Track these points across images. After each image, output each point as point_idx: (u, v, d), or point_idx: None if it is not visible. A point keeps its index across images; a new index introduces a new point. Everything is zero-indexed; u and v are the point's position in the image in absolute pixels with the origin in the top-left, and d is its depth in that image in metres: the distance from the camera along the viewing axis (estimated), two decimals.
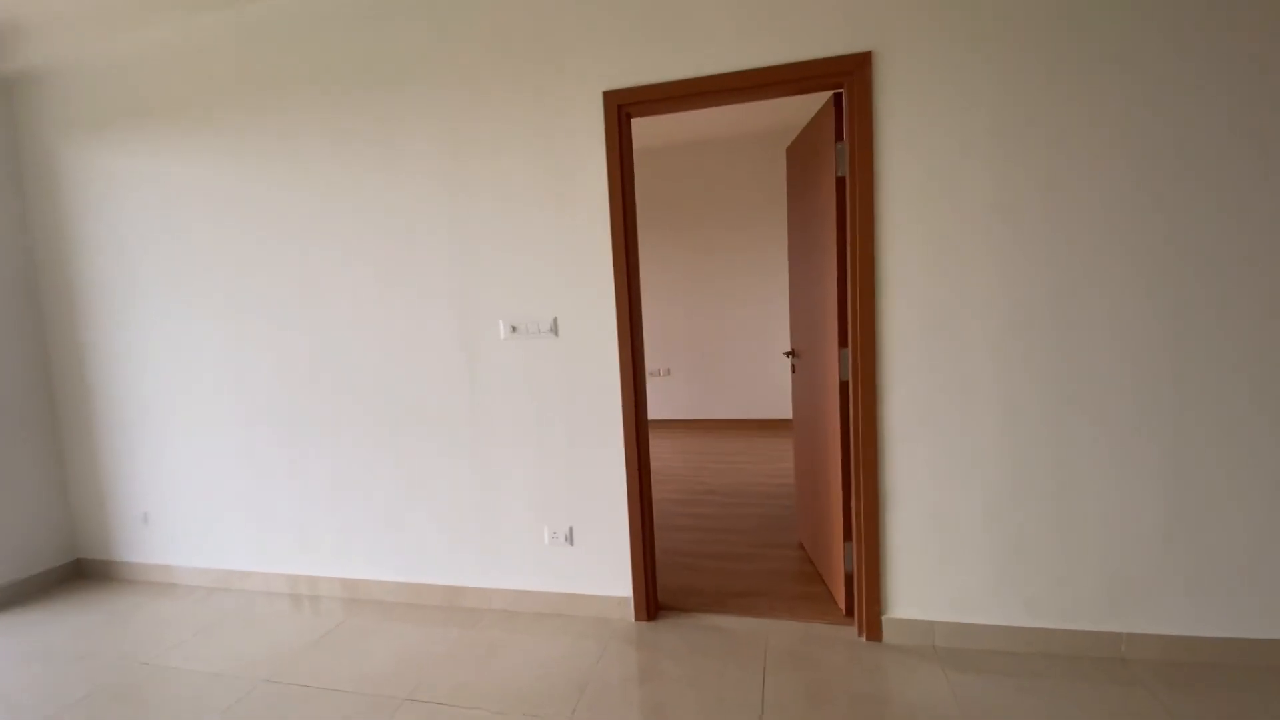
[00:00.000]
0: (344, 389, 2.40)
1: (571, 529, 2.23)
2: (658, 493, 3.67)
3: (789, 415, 5.24)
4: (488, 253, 2.20)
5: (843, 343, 2.05)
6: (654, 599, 2.23)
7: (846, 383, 2.06)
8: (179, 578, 2.74)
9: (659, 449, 4.73)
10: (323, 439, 2.46)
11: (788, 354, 2.71)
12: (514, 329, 2.20)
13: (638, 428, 2.13)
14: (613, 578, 2.20)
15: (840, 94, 1.97)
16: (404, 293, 2.30)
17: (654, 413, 5.54)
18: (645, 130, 4.64)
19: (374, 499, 2.43)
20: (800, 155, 2.47)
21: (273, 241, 2.42)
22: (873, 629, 1.98)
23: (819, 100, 4.11)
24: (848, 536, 2.08)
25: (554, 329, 2.17)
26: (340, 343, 2.39)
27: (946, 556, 1.91)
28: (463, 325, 2.25)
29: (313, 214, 2.36)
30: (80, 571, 2.90)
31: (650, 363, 5.49)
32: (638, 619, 2.18)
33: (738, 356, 5.28)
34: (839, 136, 1.99)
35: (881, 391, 1.92)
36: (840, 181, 2.00)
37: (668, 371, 5.45)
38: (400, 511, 2.41)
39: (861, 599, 1.99)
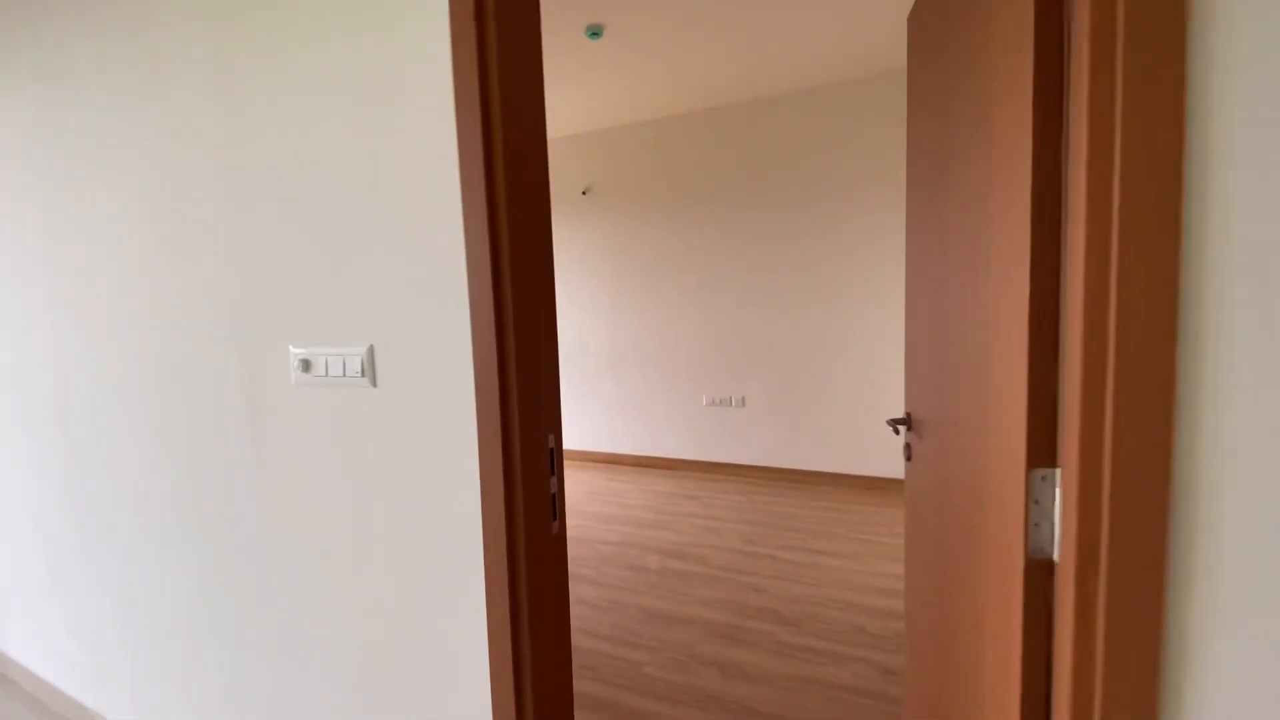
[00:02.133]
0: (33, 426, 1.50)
1: None
2: (689, 600, 2.45)
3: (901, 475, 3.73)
4: (268, 216, 1.16)
5: (1041, 459, 0.75)
6: None
7: (1051, 563, 0.75)
8: None
9: (715, 508, 3.48)
10: None
11: (897, 424, 1.40)
12: (305, 365, 1.14)
13: (513, 572, 0.97)
14: None
15: None
16: (156, 287, 1.34)
17: (720, 454, 4.28)
18: (691, 88, 3.44)
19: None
20: (947, 18, 1.14)
21: None
22: None
23: None
24: None
25: (366, 370, 1.08)
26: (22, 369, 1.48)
27: None
28: (243, 351, 1.24)
29: None
30: None
31: (719, 388, 4.24)
32: None
33: (842, 384, 3.87)
34: None
35: (1181, 584, 0.60)
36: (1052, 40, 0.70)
37: (741, 401, 4.16)
38: None
39: None
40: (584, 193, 4.56)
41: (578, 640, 2.20)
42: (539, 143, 0.99)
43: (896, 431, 1.42)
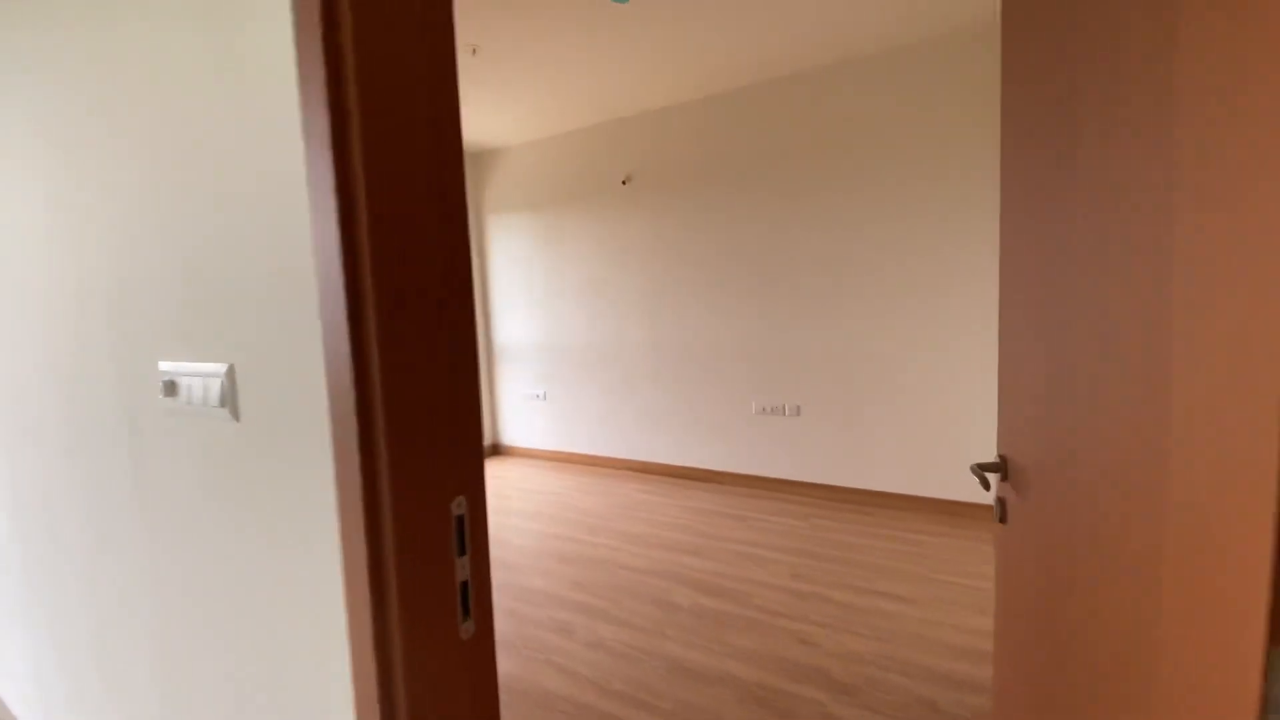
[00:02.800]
0: None
1: None
2: (723, 651, 2.10)
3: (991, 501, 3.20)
4: (131, 198, 0.91)
5: None
6: None
7: None
8: None
9: (761, 531, 3.09)
10: None
11: (986, 470, 1.00)
12: (173, 388, 0.88)
13: (386, 708, 0.67)
14: None
15: None
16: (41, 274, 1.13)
17: (769, 467, 3.87)
18: (735, 63, 3.03)
19: None
20: None
21: None
22: None
23: None
24: None
25: (226, 399, 0.80)
26: None
27: None
28: (120, 364, 1.00)
29: None
30: None
31: (770, 394, 3.83)
32: None
33: (916, 394, 3.38)
34: None
35: None
36: None
37: (795, 410, 3.74)
38: None
39: None
40: (624, 182, 4.25)
41: (585, 697, 1.90)
42: (430, 113, 0.68)
43: (985, 484, 1.02)
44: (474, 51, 3.06)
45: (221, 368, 0.80)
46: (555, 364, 4.78)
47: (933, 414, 3.32)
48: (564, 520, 3.43)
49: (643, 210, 4.21)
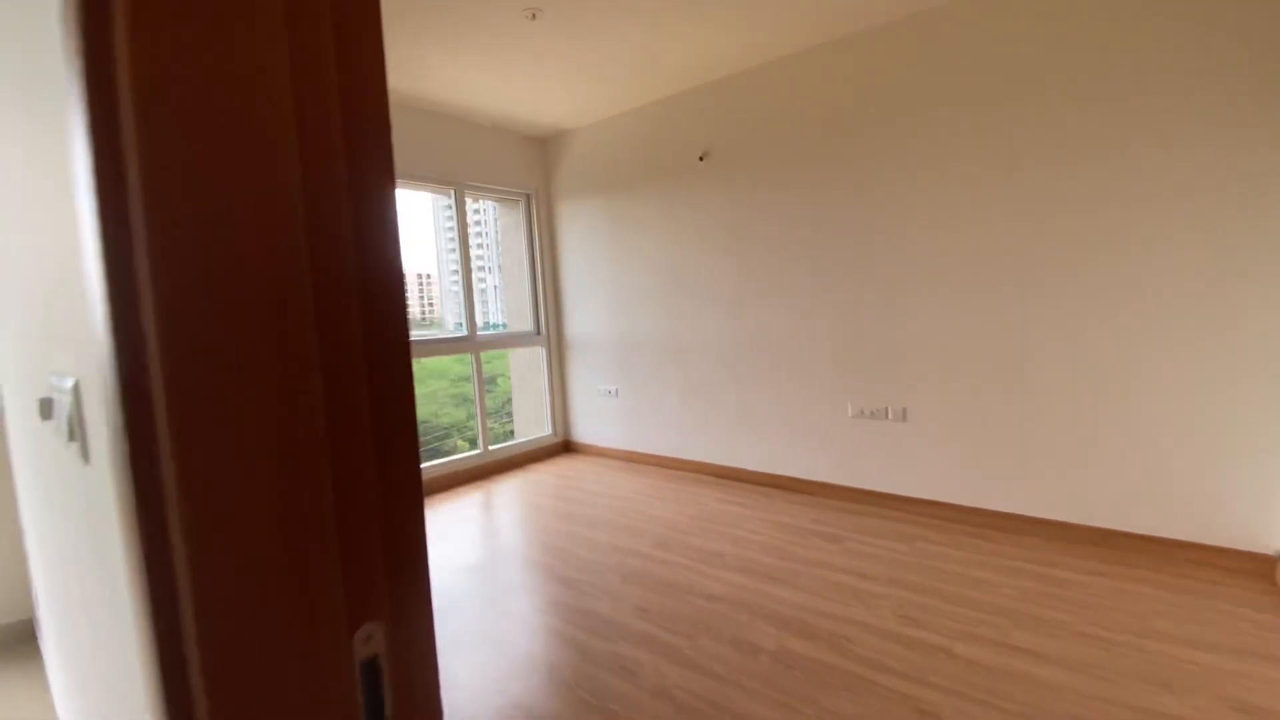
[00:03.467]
0: None
1: None
2: (816, 718, 1.72)
3: (1254, 547, 2.57)
4: None
5: None
6: None
7: None
8: None
9: (862, 558, 2.64)
10: None
11: None
12: (43, 407, 0.64)
13: None
14: None
15: None
16: None
17: (870, 479, 3.38)
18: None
19: None
20: None
21: None
22: None
23: None
24: None
25: (75, 431, 0.54)
26: None
27: None
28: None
29: None
30: None
31: (870, 395, 3.34)
32: None
33: (1054, 391, 2.79)
34: None
35: None
36: None
37: (901, 414, 3.23)
38: None
39: None
40: (701, 158, 3.88)
41: None
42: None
43: None
44: (533, 16, 2.80)
45: (67, 382, 0.54)
46: (628, 358, 4.50)
47: (1086, 419, 2.71)
48: (633, 530, 3.14)
49: (723, 188, 3.82)
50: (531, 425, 5.12)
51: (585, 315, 4.75)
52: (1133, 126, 2.49)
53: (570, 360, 4.93)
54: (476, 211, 5.14)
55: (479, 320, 4.73)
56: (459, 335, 4.37)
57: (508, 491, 4.03)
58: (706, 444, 4.10)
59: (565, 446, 5.04)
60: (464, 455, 4.38)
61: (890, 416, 3.27)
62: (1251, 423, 2.36)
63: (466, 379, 5.86)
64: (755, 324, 3.75)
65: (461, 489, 4.12)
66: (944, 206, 2.99)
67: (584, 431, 4.92)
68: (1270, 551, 2.36)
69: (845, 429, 3.45)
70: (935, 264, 3.04)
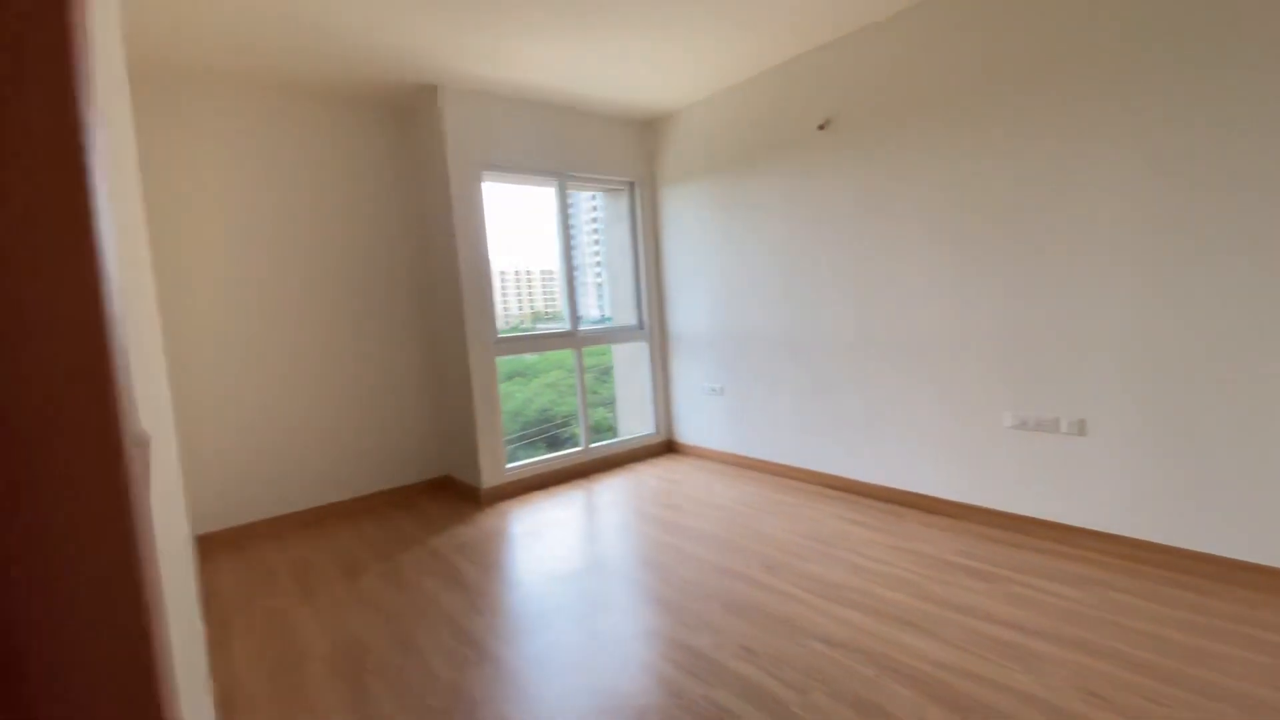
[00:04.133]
0: None
1: None
2: None
3: None
4: None
5: None
6: None
7: None
8: None
9: (1027, 604, 2.15)
10: None
11: None
12: None
13: None
14: None
15: None
16: None
17: (1032, 505, 2.81)
18: None
19: None
20: None
21: None
22: None
23: None
24: None
25: None
26: None
27: None
28: None
29: None
30: None
31: (1034, 403, 2.77)
32: None
33: None
34: None
35: None
36: None
37: (1077, 426, 2.64)
38: None
39: None
40: (821, 127, 3.45)
41: None
42: None
43: None
44: None
45: None
46: (735, 354, 4.18)
47: None
48: (739, 549, 2.85)
49: (845, 160, 3.37)
50: (635, 423, 4.97)
51: (689, 307, 4.49)
52: None
53: (674, 355, 4.70)
54: (595, 206, 5.06)
55: (593, 314, 4.65)
56: (560, 330, 4.30)
57: (607, 493, 3.89)
58: (824, 451, 3.69)
59: (668, 446, 4.83)
60: (564, 453, 4.32)
61: (1063, 429, 2.68)
62: None
63: (586, 369, 5.84)
64: (886, 314, 3.28)
65: (559, 488, 4.05)
66: (1143, 167, 2.36)
67: (688, 431, 4.67)
68: None
69: (1001, 442, 2.90)
70: (1128, 239, 2.42)
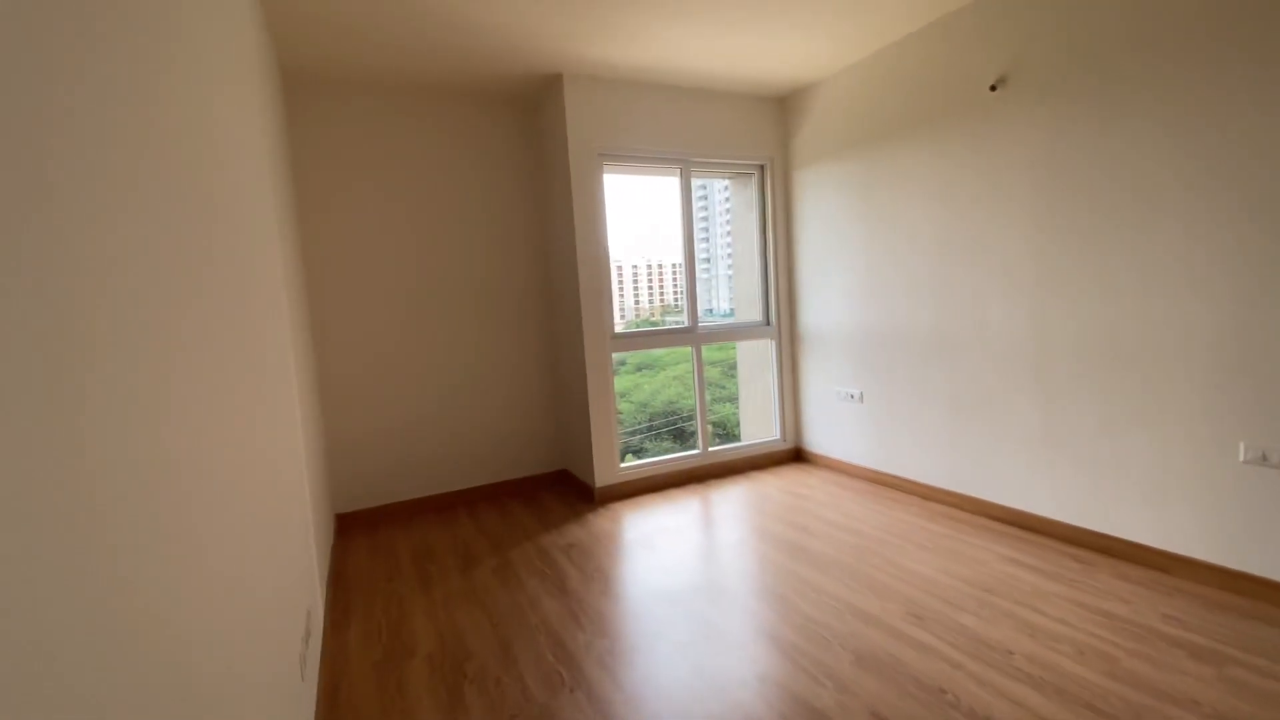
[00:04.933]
0: None
1: None
2: None
3: None
4: None
5: None
6: None
7: None
8: None
9: (1266, 700, 1.59)
10: None
11: None
12: None
13: None
14: None
15: None
16: None
17: (1272, 563, 2.12)
18: None
19: None
20: None
21: None
22: None
23: None
24: None
25: None
26: None
27: None
28: None
29: None
30: None
31: (1278, 432, 2.09)
32: None
33: None
34: None
35: None
36: None
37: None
38: None
39: None
40: (993, 88, 2.89)
41: None
42: None
43: None
44: None
45: None
46: (876, 355, 3.71)
47: None
48: (878, 587, 2.47)
49: (1023, 128, 2.79)
50: (759, 427, 4.65)
51: (823, 302, 4.08)
52: None
53: (804, 355, 4.31)
54: (728, 197, 4.83)
55: (715, 308, 4.42)
56: (679, 327, 4.10)
57: (726, 503, 3.65)
58: (986, 476, 3.13)
59: (795, 455, 4.45)
60: (681, 454, 4.13)
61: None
62: None
63: (713, 364, 5.62)
64: (1073, 313, 2.68)
65: (675, 491, 3.87)
66: None
67: (818, 440, 4.27)
68: None
69: (1231, 481, 2.23)
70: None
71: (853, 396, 3.91)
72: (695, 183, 4.25)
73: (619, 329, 3.95)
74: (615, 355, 3.82)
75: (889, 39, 3.34)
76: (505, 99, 3.92)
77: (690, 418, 6.42)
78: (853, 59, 3.59)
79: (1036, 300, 2.82)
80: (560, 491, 4.01)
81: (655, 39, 3.17)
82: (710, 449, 4.19)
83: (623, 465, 3.86)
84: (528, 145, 4.05)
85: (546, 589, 2.63)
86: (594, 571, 2.78)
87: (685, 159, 3.97)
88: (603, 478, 3.74)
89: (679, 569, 2.76)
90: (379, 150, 3.62)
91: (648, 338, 4.08)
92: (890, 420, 3.66)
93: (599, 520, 3.45)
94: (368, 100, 3.57)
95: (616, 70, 3.53)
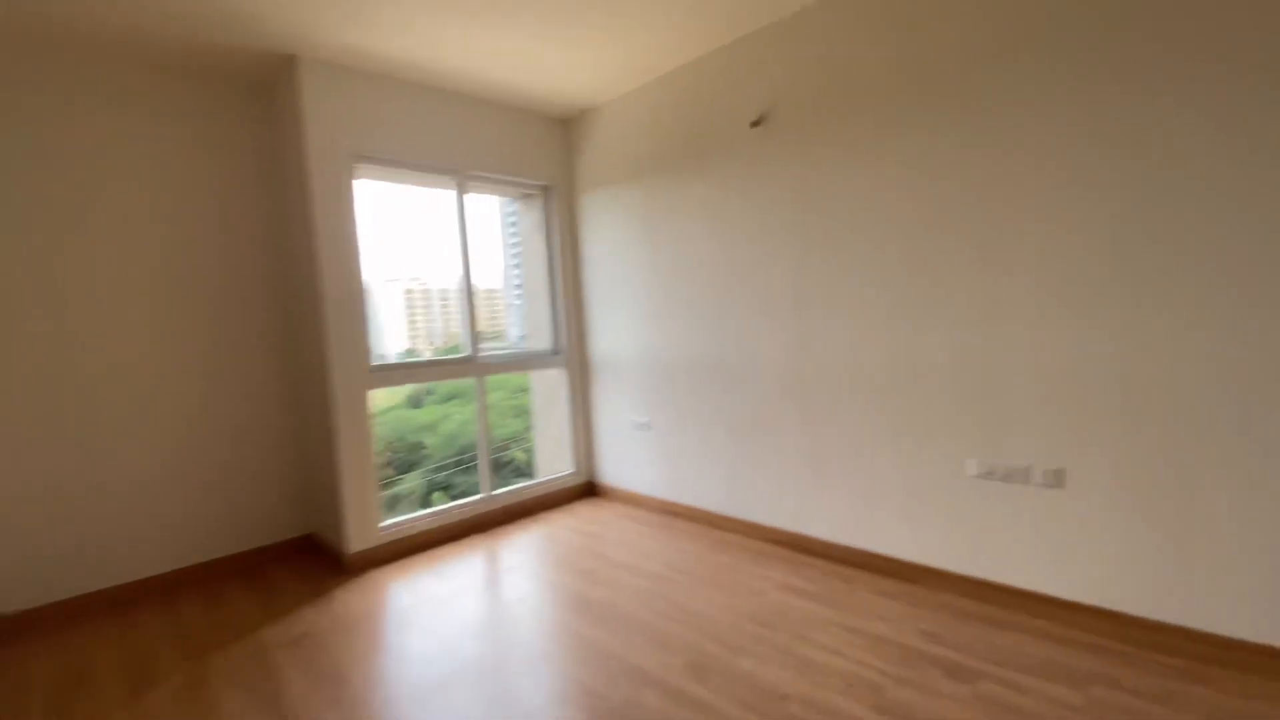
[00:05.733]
0: None
1: None
2: None
3: None
4: None
5: None
6: None
7: None
8: None
9: (1007, 712, 1.68)
10: None
11: None
12: None
13: None
14: None
15: None
16: None
17: (1003, 570, 2.38)
18: None
19: None
20: None
21: None
22: None
23: None
24: None
25: None
26: None
27: None
28: None
29: None
30: None
31: (1001, 447, 2.36)
32: None
33: None
34: None
35: None
36: None
37: (1054, 476, 2.23)
38: None
39: None
40: (754, 124, 3.01)
41: None
42: None
43: None
44: None
45: None
46: (664, 383, 3.66)
47: None
48: (661, 638, 2.28)
49: (783, 162, 2.94)
50: (554, 461, 4.35)
51: (613, 329, 3.95)
52: None
53: (596, 384, 4.14)
54: (513, 215, 4.49)
55: (526, 335, 4.05)
56: (461, 356, 3.66)
57: (511, 553, 3.25)
58: (766, 500, 3.19)
59: (590, 489, 4.24)
60: (462, 502, 3.65)
61: (1037, 479, 2.27)
62: None
63: (525, 389, 5.22)
64: (831, 339, 2.83)
65: (453, 547, 3.38)
66: (1112, 181, 2.00)
67: (612, 472, 4.10)
68: None
69: (964, 494, 2.47)
70: (1112, 252, 2.05)
71: (644, 425, 3.81)
72: (510, 208, 3.90)
73: (394, 359, 3.40)
74: (405, 389, 3.25)
75: (665, 68, 3.36)
76: (235, 80, 3.17)
77: (505, 448, 5.91)
78: (632, 84, 3.56)
79: (797, 330, 2.95)
80: (301, 564, 3.26)
81: (419, 32, 2.77)
82: (495, 492, 3.78)
83: (385, 523, 3.27)
84: (265, 138, 3.33)
85: (253, 709, 1.99)
86: (325, 674, 2.19)
87: (461, 171, 3.58)
88: (358, 541, 3.11)
89: (439, 653, 2.29)
90: (67, 130, 2.65)
91: (418, 370, 3.56)
92: (678, 449, 3.62)
93: (348, 596, 2.82)
94: (56, 68, 2.60)
95: (373, 61, 3.05)
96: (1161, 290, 1.97)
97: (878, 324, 2.65)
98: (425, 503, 5.57)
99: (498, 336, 4.53)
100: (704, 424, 3.45)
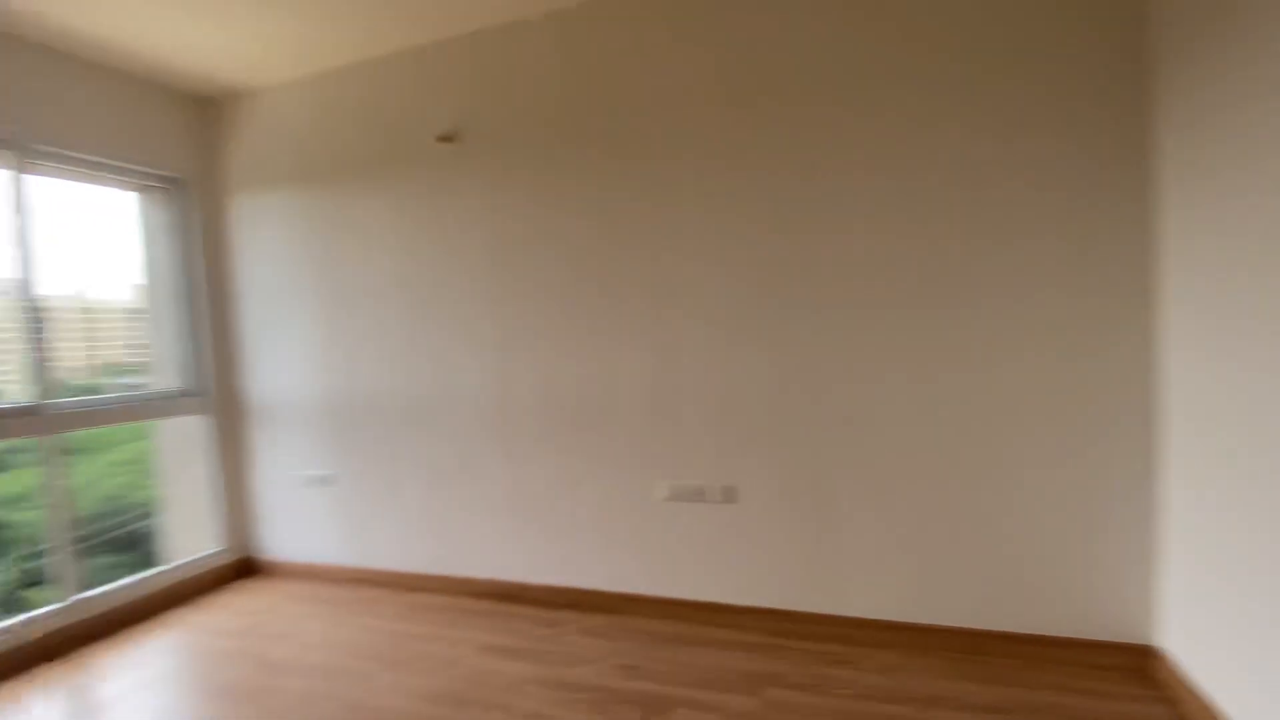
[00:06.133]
0: None
1: None
2: None
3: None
4: None
5: None
6: None
7: None
8: None
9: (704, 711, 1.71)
10: None
11: None
12: None
13: None
14: None
15: None
16: None
17: (687, 585, 2.53)
18: None
19: None
20: None
21: None
22: None
23: None
24: None
25: None
26: None
27: None
28: None
29: None
30: None
31: (687, 469, 2.52)
32: None
33: (944, 460, 2.24)
34: None
35: None
36: None
37: (728, 493, 2.46)
38: None
39: None
40: (444, 139, 2.77)
41: None
42: None
43: None
44: None
45: None
46: (347, 427, 3.10)
47: (986, 498, 2.19)
48: None
49: (477, 183, 2.76)
50: (192, 536, 3.33)
51: (280, 364, 3.23)
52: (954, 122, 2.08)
53: (255, 432, 3.32)
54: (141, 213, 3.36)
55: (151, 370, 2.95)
56: (15, 405, 2.53)
57: (114, 682, 2.31)
58: (470, 552, 2.90)
59: (246, 568, 3.36)
60: (26, 617, 2.50)
61: (716, 497, 2.48)
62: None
63: (131, 457, 3.90)
64: (530, 373, 2.72)
65: (11, 687, 2.27)
66: (771, 214, 2.33)
67: (280, 542, 3.31)
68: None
69: (656, 517, 2.57)
70: (771, 287, 2.36)
71: (323, 480, 3.17)
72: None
73: None
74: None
75: (340, 60, 2.90)
76: None
77: (146, 516, 4.33)
78: (298, 71, 2.99)
79: (498, 362, 2.77)
80: None
81: None
82: (88, 594, 2.69)
83: None
84: None
85: None
86: None
87: (19, 141, 2.53)
88: None
89: None
90: None
91: None
92: (367, 504, 3.09)
93: None
94: None
95: None
96: (784, 328, 2.32)
97: (575, 354, 2.63)
98: (7, 605, 3.86)
99: (137, 371, 3.37)
100: (398, 473, 3.00)
